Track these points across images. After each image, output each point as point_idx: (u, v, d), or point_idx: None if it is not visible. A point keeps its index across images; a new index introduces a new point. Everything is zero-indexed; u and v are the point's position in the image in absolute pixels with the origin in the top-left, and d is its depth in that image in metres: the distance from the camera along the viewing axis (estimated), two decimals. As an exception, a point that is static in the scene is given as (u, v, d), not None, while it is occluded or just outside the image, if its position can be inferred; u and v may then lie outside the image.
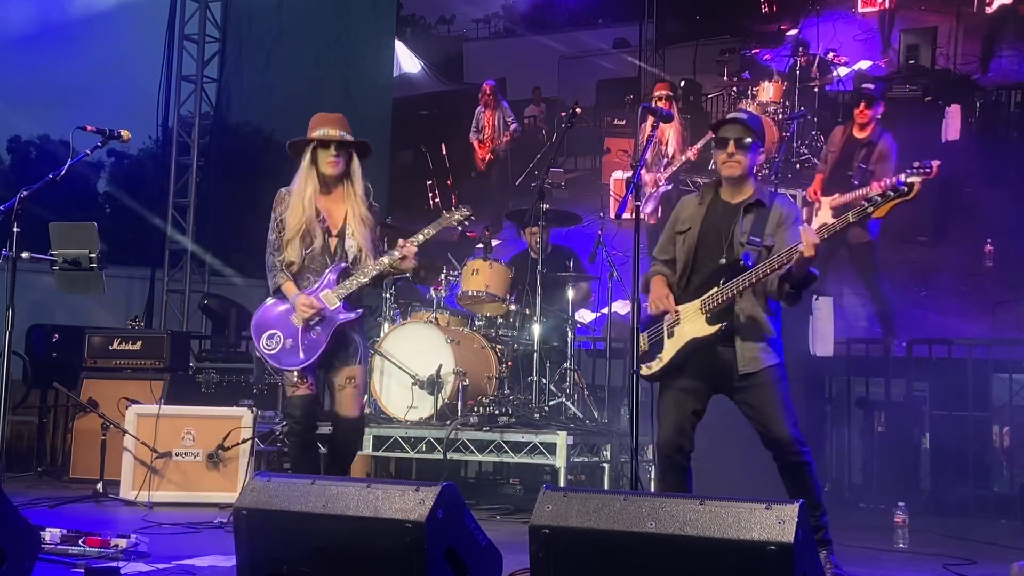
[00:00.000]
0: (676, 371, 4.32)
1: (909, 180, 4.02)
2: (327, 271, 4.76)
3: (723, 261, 4.26)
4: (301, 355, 4.70)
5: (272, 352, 4.76)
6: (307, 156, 4.81)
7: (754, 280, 4.15)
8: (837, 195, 7.82)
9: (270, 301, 4.86)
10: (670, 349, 4.32)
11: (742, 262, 4.20)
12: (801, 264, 4.03)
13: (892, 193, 3.97)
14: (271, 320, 4.80)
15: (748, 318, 4.25)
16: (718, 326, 4.22)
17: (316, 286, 4.75)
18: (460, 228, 4.83)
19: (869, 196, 4.01)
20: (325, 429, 5.06)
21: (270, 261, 4.85)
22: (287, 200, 4.81)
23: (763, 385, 4.23)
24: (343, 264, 4.78)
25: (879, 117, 8.02)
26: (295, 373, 4.73)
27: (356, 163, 4.85)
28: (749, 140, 4.28)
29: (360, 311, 4.79)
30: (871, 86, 8.43)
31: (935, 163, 6.90)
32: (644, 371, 4.38)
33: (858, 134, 7.88)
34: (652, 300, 4.39)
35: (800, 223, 4.31)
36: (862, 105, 7.89)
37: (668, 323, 4.34)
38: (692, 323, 4.28)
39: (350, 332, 4.77)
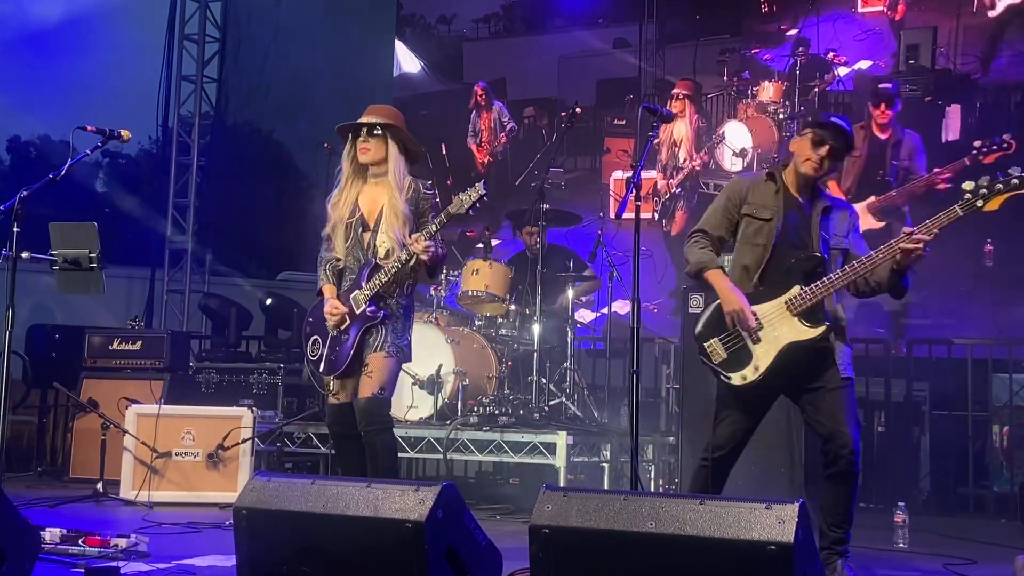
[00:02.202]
0: (768, 379, 4.10)
1: (1016, 173, 3.76)
2: (361, 269, 4.63)
3: (799, 257, 4.10)
4: (331, 365, 4.63)
5: (314, 358, 4.71)
6: (346, 146, 4.70)
7: (854, 278, 4.03)
8: (873, 198, 7.67)
9: (320, 301, 4.76)
10: (766, 356, 4.05)
11: (822, 256, 4.09)
12: (916, 259, 3.96)
13: (1000, 186, 3.82)
14: (316, 325, 4.73)
15: (838, 320, 4.14)
16: (823, 327, 4.02)
17: (351, 285, 4.64)
18: (474, 211, 4.50)
19: (975, 189, 3.83)
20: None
21: (319, 257, 4.78)
22: (334, 194, 4.73)
23: (841, 389, 4.10)
24: (374, 261, 4.60)
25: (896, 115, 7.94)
26: (330, 381, 4.69)
27: (393, 152, 4.63)
28: (847, 156, 4.22)
29: (385, 312, 4.57)
30: (888, 85, 8.23)
31: (1007, 136, 6.65)
32: (738, 380, 4.10)
33: (880, 134, 7.75)
34: (732, 309, 4.08)
35: (858, 228, 4.28)
36: (883, 106, 7.70)
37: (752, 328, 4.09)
38: (783, 327, 4.05)
39: (378, 325, 4.59)
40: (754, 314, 4.08)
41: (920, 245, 3.93)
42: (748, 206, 4.23)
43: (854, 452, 4.07)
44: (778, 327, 4.07)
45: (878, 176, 7.80)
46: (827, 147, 4.11)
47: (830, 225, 4.19)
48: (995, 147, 6.72)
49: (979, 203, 3.86)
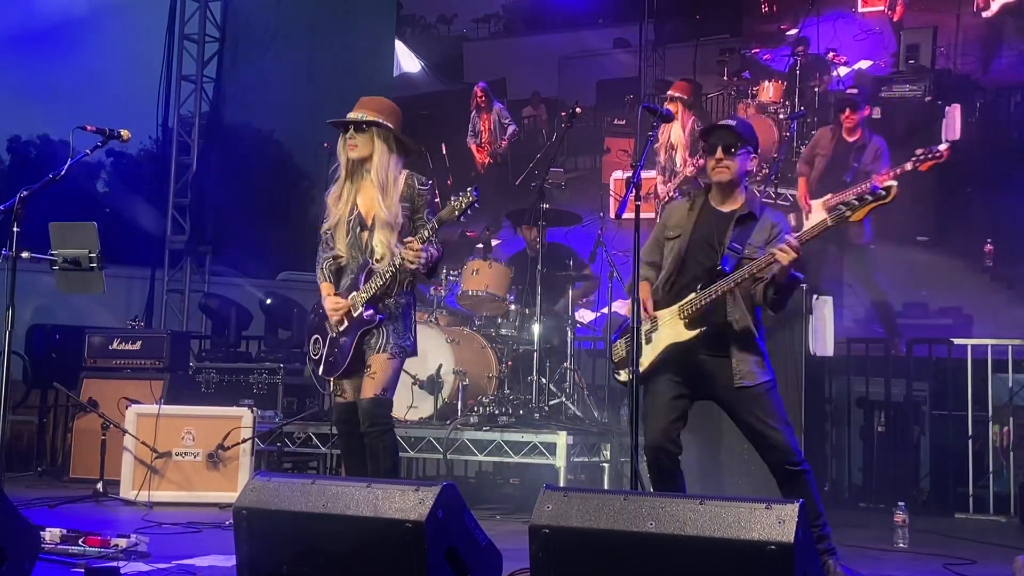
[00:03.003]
0: (661, 377, 4.26)
1: (886, 184, 3.95)
2: (359, 270, 4.60)
3: (704, 266, 4.23)
4: (331, 367, 4.63)
5: (315, 358, 4.70)
6: (339, 140, 4.65)
7: (731, 286, 4.11)
8: (830, 195, 7.86)
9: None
10: (648, 355, 4.27)
11: (720, 267, 4.18)
12: (783, 269, 4.01)
13: (869, 197, 3.93)
14: (318, 323, 4.72)
15: (743, 329, 4.21)
16: (697, 331, 4.18)
17: (350, 286, 4.61)
18: (465, 218, 4.44)
19: (846, 200, 3.98)
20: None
21: (318, 256, 4.74)
22: (332, 190, 4.70)
23: (759, 397, 4.19)
24: (370, 263, 4.57)
25: (866, 120, 8.13)
26: (331, 381, 4.71)
27: (378, 148, 4.56)
28: (738, 146, 4.24)
29: (382, 316, 4.54)
30: (855, 91, 8.54)
31: (942, 147, 6.89)
32: (624, 376, 4.37)
33: (848, 137, 8.04)
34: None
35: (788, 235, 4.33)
36: (847, 111, 8.08)
37: (647, 329, 4.29)
38: (669, 328, 4.25)
39: (379, 327, 4.56)
40: (655, 318, 4.28)
41: (785, 256, 3.96)
42: (667, 230, 4.45)
43: (790, 452, 4.16)
44: (666, 329, 4.26)
45: (839, 177, 7.98)
46: (719, 147, 4.24)
47: (746, 235, 4.24)
48: (930, 156, 7.00)
49: (848, 213, 3.97)
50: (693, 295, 4.20)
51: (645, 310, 4.25)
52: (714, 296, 4.14)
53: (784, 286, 4.10)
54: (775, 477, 4.25)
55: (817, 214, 7.90)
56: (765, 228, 4.26)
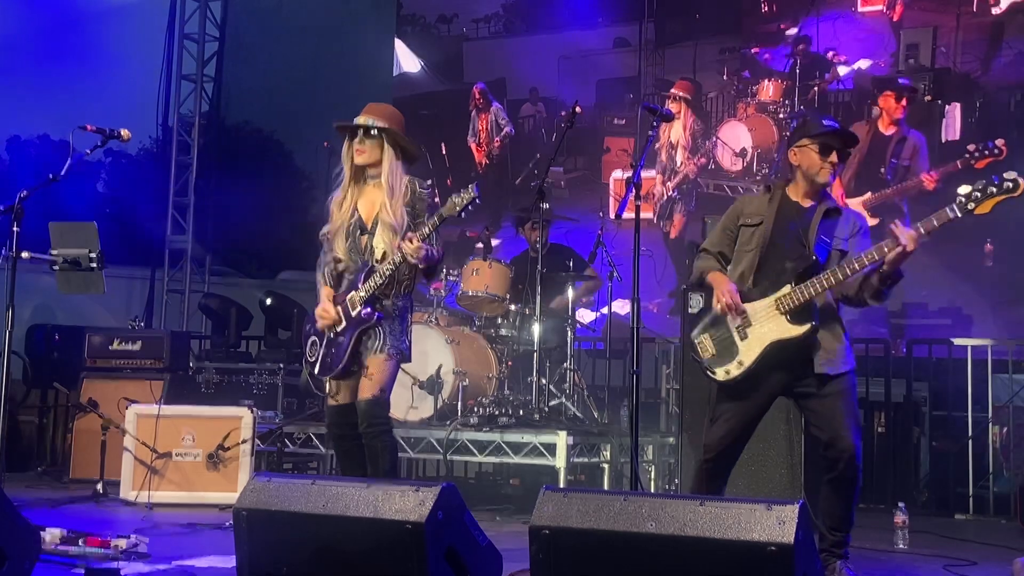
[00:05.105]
0: (761, 375, 4.11)
1: (1011, 176, 3.79)
2: (358, 271, 4.60)
3: (794, 259, 4.11)
4: (327, 366, 4.63)
5: (311, 359, 4.70)
6: (344, 145, 4.67)
7: (841, 277, 3.99)
8: (869, 194, 7.70)
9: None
10: (750, 351, 4.09)
11: (816, 258, 4.09)
12: (897, 259, 3.92)
13: (993, 189, 3.82)
14: (314, 326, 4.73)
15: (829, 317, 4.13)
16: (807, 326, 4.03)
17: (348, 287, 4.62)
18: (465, 214, 4.39)
19: (969, 192, 3.84)
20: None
21: (319, 260, 4.76)
22: (335, 194, 4.71)
23: (838, 393, 4.08)
24: (371, 263, 4.58)
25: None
26: (327, 382, 4.70)
27: (388, 154, 4.57)
28: (848, 155, 4.23)
29: (379, 315, 4.54)
30: (904, 80, 8.25)
31: (999, 141, 6.78)
32: (721, 375, 4.15)
33: (885, 130, 7.76)
34: (722, 296, 4.11)
35: (868, 234, 4.26)
36: (904, 100, 7.70)
37: (736, 324, 4.13)
38: (770, 324, 4.08)
39: (376, 328, 4.57)
40: (744, 311, 4.11)
41: (909, 247, 3.89)
42: (743, 218, 4.31)
43: (855, 457, 4.05)
44: (765, 324, 4.10)
45: (877, 173, 7.82)
46: (835, 152, 4.18)
47: (833, 228, 4.19)
48: (987, 152, 6.89)
49: (971, 206, 3.87)
50: (788, 288, 4.06)
51: (734, 304, 4.08)
52: (819, 289, 4.01)
53: (893, 278, 4.02)
54: (828, 476, 4.10)
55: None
56: (849, 223, 4.23)
